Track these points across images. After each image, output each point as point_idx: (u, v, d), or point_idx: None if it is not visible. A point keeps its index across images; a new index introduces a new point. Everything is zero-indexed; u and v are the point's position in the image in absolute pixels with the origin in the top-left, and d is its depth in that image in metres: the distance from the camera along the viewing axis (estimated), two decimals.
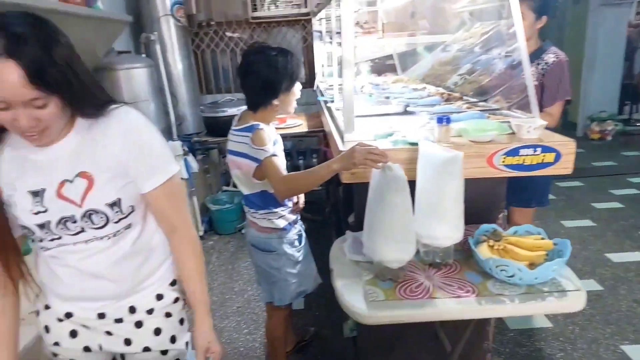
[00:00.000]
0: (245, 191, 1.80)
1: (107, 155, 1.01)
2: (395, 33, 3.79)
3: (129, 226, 1.09)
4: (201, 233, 3.72)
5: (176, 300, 1.22)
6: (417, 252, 1.36)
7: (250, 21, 4.54)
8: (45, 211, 1.00)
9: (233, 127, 1.77)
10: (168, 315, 1.20)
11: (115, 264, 1.09)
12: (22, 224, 1.02)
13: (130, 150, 1.02)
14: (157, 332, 1.18)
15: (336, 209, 3.31)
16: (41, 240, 1.05)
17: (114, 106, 1.03)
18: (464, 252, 1.42)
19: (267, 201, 1.77)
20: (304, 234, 1.96)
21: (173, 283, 1.23)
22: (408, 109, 2.06)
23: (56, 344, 1.16)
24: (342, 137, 1.61)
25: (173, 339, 1.21)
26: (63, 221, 1.01)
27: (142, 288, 1.15)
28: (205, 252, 3.47)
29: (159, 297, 1.19)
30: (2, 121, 0.89)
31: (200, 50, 4.64)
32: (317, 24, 3.98)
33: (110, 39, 3.01)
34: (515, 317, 2.43)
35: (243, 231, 3.86)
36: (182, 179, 3.29)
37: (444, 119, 1.51)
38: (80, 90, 0.93)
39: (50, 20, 0.91)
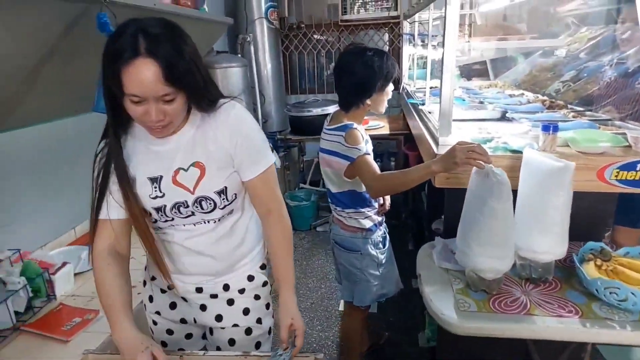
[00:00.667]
0: (334, 189, 1.83)
1: (217, 146, 1.09)
2: (485, 37, 3.64)
3: (231, 212, 1.18)
4: None
5: (265, 283, 1.29)
6: (513, 265, 1.29)
7: (338, 24, 4.61)
8: (162, 196, 1.09)
9: (326, 127, 1.81)
10: (257, 297, 1.27)
11: (216, 243, 1.18)
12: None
13: (236, 141, 1.09)
14: (246, 311, 1.25)
15: (416, 215, 3.25)
16: (155, 221, 1.15)
17: (222, 101, 1.11)
18: (565, 270, 1.33)
19: (355, 201, 1.78)
20: (388, 237, 1.95)
21: (262, 267, 1.31)
22: (507, 115, 1.97)
23: (157, 312, 1.28)
24: (436, 141, 1.58)
25: (259, 321, 1.27)
26: (177, 206, 1.10)
27: (236, 268, 1.23)
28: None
29: (250, 278, 1.26)
30: (134, 113, 0.97)
31: (289, 52, 4.79)
32: (408, 27, 3.94)
33: (213, 39, 3.21)
34: (613, 347, 2.22)
35: (318, 229, 3.93)
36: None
37: (550, 127, 1.42)
38: (201, 86, 1.01)
39: (179, 26, 1.00)
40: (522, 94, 2.57)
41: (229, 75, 3.28)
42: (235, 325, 1.25)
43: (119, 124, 1.07)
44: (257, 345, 1.27)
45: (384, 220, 1.93)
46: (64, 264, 1.80)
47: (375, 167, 1.63)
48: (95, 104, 1.65)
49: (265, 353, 1.09)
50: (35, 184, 1.96)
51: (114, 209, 1.08)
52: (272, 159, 1.18)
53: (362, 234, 1.83)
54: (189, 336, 1.30)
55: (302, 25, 4.65)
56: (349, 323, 2.05)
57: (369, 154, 1.66)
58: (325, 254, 3.43)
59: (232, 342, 1.25)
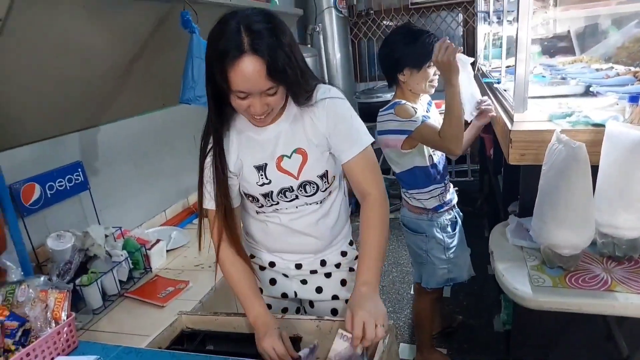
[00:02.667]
0: (397, 170, 1.85)
1: (316, 131, 1.12)
2: (571, 4, 3.36)
3: (330, 193, 1.23)
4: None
5: (356, 257, 1.34)
6: (594, 243, 1.24)
7: (408, 7, 4.53)
8: (269, 183, 1.15)
9: (380, 111, 1.83)
10: (351, 269, 1.34)
11: (317, 223, 1.23)
12: (249, 194, 1.18)
13: (332, 124, 1.11)
14: (343, 283, 1.32)
15: (491, 200, 3.14)
16: (261, 206, 1.21)
17: (319, 85, 1.13)
18: None
19: (417, 179, 1.79)
20: (459, 222, 1.92)
21: (351, 243, 1.37)
22: (591, 89, 1.85)
23: (259, 289, 1.35)
24: (511, 118, 1.53)
25: None
26: (283, 191, 1.17)
27: (332, 245, 1.29)
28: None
29: (343, 253, 1.32)
30: (240, 107, 1.01)
31: (358, 40, 4.80)
32: (482, 4, 3.78)
33: None
34: None
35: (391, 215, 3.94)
36: None
37: (639, 97, 1.33)
38: (299, 77, 1.01)
39: (276, 14, 1.02)
40: (611, 67, 2.37)
41: None
42: (335, 297, 1.32)
43: (222, 121, 1.11)
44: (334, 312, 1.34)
45: (454, 201, 1.90)
46: (158, 241, 2.01)
47: (436, 127, 1.65)
48: (181, 96, 1.81)
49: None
50: (133, 171, 2.20)
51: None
52: (369, 139, 1.16)
53: (427, 215, 1.83)
54: (284, 310, 1.38)
55: (371, 12, 4.63)
56: (418, 304, 2.07)
57: (425, 120, 1.68)
58: (396, 240, 3.44)
59: (334, 312, 1.33)
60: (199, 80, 1.78)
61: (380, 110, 1.82)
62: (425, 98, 1.88)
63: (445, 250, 1.85)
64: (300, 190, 1.17)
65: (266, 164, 1.15)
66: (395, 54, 1.72)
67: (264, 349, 1.07)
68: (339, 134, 1.12)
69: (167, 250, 2.05)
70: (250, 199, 1.21)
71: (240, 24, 0.94)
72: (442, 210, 1.84)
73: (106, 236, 1.80)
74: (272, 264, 1.32)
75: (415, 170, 1.78)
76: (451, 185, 1.92)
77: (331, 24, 4.30)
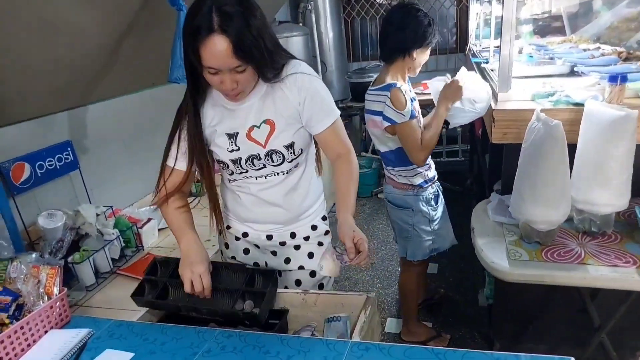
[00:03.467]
0: (383, 149, 1.89)
1: (286, 104, 1.18)
2: None
3: (296, 165, 1.28)
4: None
5: (326, 232, 1.40)
6: (570, 219, 1.28)
7: None
8: (237, 150, 1.22)
9: (370, 88, 1.84)
10: (320, 244, 1.39)
11: (286, 194, 1.29)
12: (220, 159, 1.26)
13: (304, 98, 1.17)
14: (310, 255, 1.38)
15: (479, 180, 3.19)
16: (231, 174, 1.28)
17: (289, 60, 1.18)
18: (626, 224, 1.30)
19: (404, 158, 1.82)
20: (441, 195, 1.98)
21: (324, 218, 1.41)
22: (575, 69, 1.87)
23: (233, 257, 1.43)
24: (495, 97, 1.56)
25: (322, 266, 1.37)
26: (250, 159, 1.23)
27: (301, 218, 1.34)
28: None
29: (314, 227, 1.37)
30: (212, 82, 1.08)
31: (350, 18, 4.77)
32: None
33: (274, 9, 3.31)
34: None
35: (379, 195, 3.98)
36: None
37: (618, 77, 1.36)
38: (267, 58, 1.06)
39: None
40: (598, 47, 2.39)
41: (291, 45, 3.38)
42: (301, 267, 1.38)
43: (197, 91, 1.18)
44: (320, 287, 1.39)
45: (435, 177, 1.95)
46: (149, 219, 2.03)
47: (418, 134, 1.70)
48: (169, 75, 1.80)
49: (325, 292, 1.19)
50: (123, 150, 2.21)
51: (181, 159, 1.23)
52: (338, 112, 1.24)
53: (413, 191, 1.87)
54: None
55: None
56: (404, 278, 2.13)
57: (414, 118, 1.70)
58: (385, 219, 3.49)
59: (298, 282, 1.39)
60: None
61: (371, 87, 1.82)
62: None
63: (430, 223, 1.91)
64: (267, 159, 1.23)
65: (237, 133, 1.21)
66: (413, 32, 1.71)
67: (192, 273, 1.12)
68: (311, 107, 1.18)
69: (159, 229, 2.07)
70: (221, 164, 1.27)
71: (213, 5, 0.99)
72: (426, 186, 1.89)
73: (97, 215, 1.82)
74: (245, 234, 1.38)
75: (401, 150, 1.81)
76: (432, 162, 1.95)
77: (324, 3, 4.24)
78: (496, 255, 1.25)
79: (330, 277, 1.41)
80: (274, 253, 1.39)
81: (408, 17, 1.72)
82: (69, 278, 1.67)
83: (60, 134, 1.85)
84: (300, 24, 3.60)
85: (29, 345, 1.09)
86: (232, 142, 1.22)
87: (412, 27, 1.71)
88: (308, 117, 1.20)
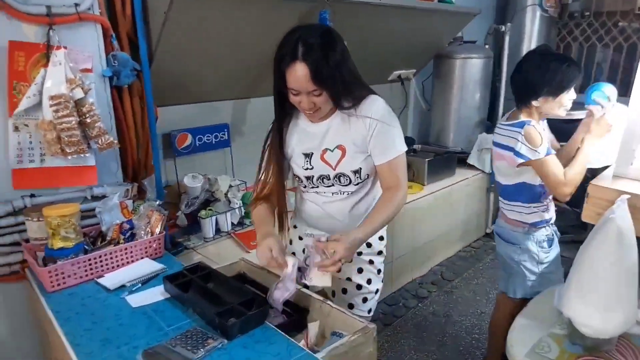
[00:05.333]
0: (502, 181, 1.83)
1: (357, 134, 1.32)
2: None
3: (362, 187, 1.42)
4: (489, 231, 3.65)
5: (379, 253, 1.49)
6: None
7: (637, 12, 3.76)
8: (311, 168, 1.40)
9: (501, 122, 1.80)
10: (371, 262, 1.48)
11: (349, 211, 1.43)
12: (296, 174, 1.46)
13: (372, 131, 1.30)
14: (359, 270, 1.48)
15: None
16: (305, 186, 1.47)
17: (368, 95, 1.31)
18: None
19: (524, 193, 1.76)
20: (556, 239, 1.84)
21: (381, 238, 1.50)
22: None
23: (293, 253, 1.62)
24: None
25: (369, 281, 1.48)
26: (321, 177, 1.41)
27: None
28: (484, 254, 3.44)
29: (368, 245, 1.47)
30: (293, 101, 1.27)
31: (564, 43, 4.24)
32: None
33: (457, 28, 3.27)
34: None
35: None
36: (484, 172, 3.33)
37: None
38: (340, 87, 1.23)
39: (334, 31, 1.25)
40: None
41: (467, 66, 3.28)
42: (349, 279, 1.49)
43: (284, 112, 1.37)
44: (364, 300, 1.49)
45: (552, 220, 1.82)
46: None
47: (559, 170, 1.63)
48: None
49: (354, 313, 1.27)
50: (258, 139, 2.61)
51: (267, 170, 1.44)
52: (401, 149, 1.33)
53: (523, 228, 1.79)
54: None
55: (587, 14, 4.01)
56: (498, 313, 2.04)
57: (549, 155, 1.62)
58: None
59: (344, 291, 1.51)
60: None
61: (504, 122, 1.79)
62: None
63: (538, 264, 1.81)
64: (336, 180, 1.38)
65: (312, 153, 1.38)
66: (532, 81, 1.66)
67: (263, 246, 1.27)
68: (376, 140, 1.31)
69: None
70: (297, 178, 1.47)
71: (300, 37, 1.18)
72: (540, 226, 1.79)
73: (231, 186, 2.26)
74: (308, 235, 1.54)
75: (523, 185, 1.75)
76: (552, 204, 1.83)
77: (532, 24, 3.92)
78: (521, 340, 1.12)
79: (375, 294, 1.48)
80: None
81: (527, 65, 1.68)
82: (196, 227, 2.16)
83: (222, 117, 2.35)
84: (486, 46, 3.43)
85: (127, 262, 1.53)
86: (307, 161, 1.40)
87: (531, 76, 1.65)
88: (372, 148, 1.32)
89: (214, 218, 2.13)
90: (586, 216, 1.26)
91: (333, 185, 1.40)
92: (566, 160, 1.69)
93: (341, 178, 1.37)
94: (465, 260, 3.32)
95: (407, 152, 3.01)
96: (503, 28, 3.48)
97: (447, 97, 3.43)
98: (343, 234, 1.24)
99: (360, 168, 1.35)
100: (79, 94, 1.52)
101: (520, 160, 1.66)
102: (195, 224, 2.16)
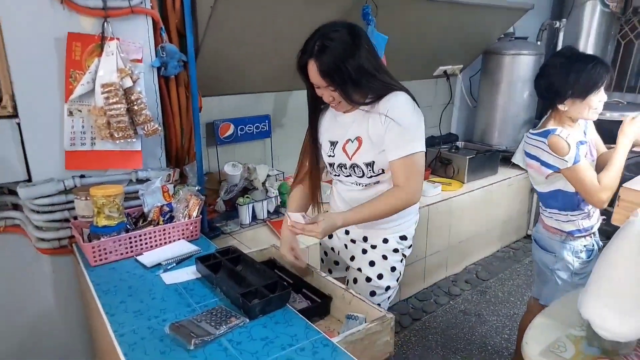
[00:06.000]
0: (538, 188, 1.79)
1: (375, 128, 1.34)
2: None
3: (377, 182, 1.43)
4: (530, 232, 3.53)
5: (396, 250, 1.49)
6: None
7: None
8: (333, 156, 1.46)
9: (530, 131, 1.74)
10: (384, 257, 1.49)
11: (363, 201, 1.43)
12: (323, 159, 1.52)
13: (388, 125, 1.31)
14: (372, 263, 1.50)
15: None
16: (330, 172, 1.54)
17: (391, 92, 1.33)
18: None
19: (561, 201, 1.70)
20: (596, 251, 1.76)
21: (403, 238, 1.50)
22: None
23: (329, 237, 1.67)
24: None
25: (380, 276, 1.49)
26: (340, 166, 1.46)
27: (375, 228, 1.46)
28: (523, 255, 3.33)
29: (385, 240, 1.49)
30: (317, 93, 1.35)
31: (626, 41, 3.97)
32: None
33: (508, 24, 3.15)
34: None
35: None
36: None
37: None
38: (350, 85, 1.28)
39: (353, 29, 1.28)
40: None
41: (517, 63, 3.16)
42: (359, 269, 1.52)
43: (315, 100, 1.43)
44: (372, 294, 1.50)
45: (593, 228, 1.74)
46: None
47: (592, 176, 1.57)
48: None
49: (368, 301, 1.31)
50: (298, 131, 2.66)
51: (305, 155, 1.54)
52: (417, 148, 1.32)
53: (560, 236, 1.74)
54: (336, 263, 1.68)
55: None
56: (527, 319, 1.96)
57: (577, 163, 1.55)
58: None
59: (355, 280, 1.54)
60: None
61: (531, 131, 1.73)
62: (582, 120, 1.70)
63: (572, 275, 1.75)
64: (352, 170, 1.42)
65: (337, 142, 1.44)
66: (556, 84, 1.60)
67: (284, 245, 1.47)
68: (391, 135, 1.31)
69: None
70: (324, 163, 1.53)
71: (315, 35, 1.28)
72: (578, 235, 1.72)
73: (269, 175, 2.34)
74: None
75: (558, 193, 1.70)
76: (597, 213, 1.75)
77: (591, 20, 3.71)
78: (537, 338, 1.10)
79: (385, 290, 1.49)
80: (346, 246, 1.58)
81: (552, 67, 1.62)
82: (234, 214, 2.25)
83: (264, 108, 2.42)
84: (538, 42, 3.29)
85: (165, 243, 1.64)
86: (331, 149, 1.46)
87: (556, 79, 1.59)
88: (387, 143, 1.33)
89: (251, 205, 2.21)
90: (616, 220, 1.21)
91: (350, 175, 1.44)
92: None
93: (355, 169, 1.41)
94: (502, 260, 3.24)
95: (450, 149, 3.07)
96: (557, 24, 3.33)
97: (494, 94, 3.33)
98: (325, 216, 1.31)
99: (373, 161, 1.37)
100: (128, 82, 1.64)
101: (549, 171, 1.62)
102: (234, 211, 2.24)
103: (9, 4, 1.47)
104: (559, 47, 3.33)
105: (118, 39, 1.65)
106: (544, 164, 1.63)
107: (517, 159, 1.84)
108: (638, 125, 1.56)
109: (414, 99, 1.37)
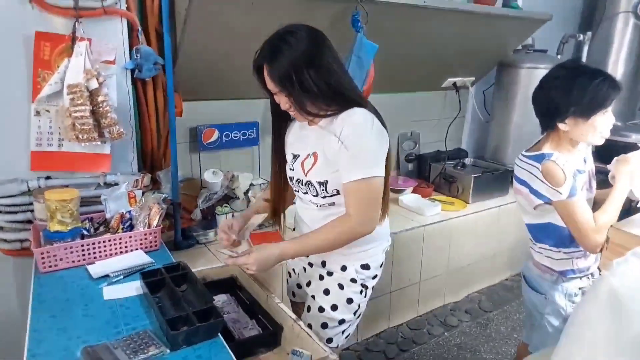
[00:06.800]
0: (526, 219, 1.59)
1: (329, 143, 1.22)
2: None
3: (332, 204, 1.30)
4: None
5: (354, 280, 1.35)
6: None
7: None
8: (292, 170, 1.36)
9: (522, 152, 1.55)
10: (340, 287, 1.36)
11: (317, 223, 1.32)
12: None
13: (341, 143, 1.18)
14: (326, 292, 1.37)
15: None
16: (293, 188, 1.41)
17: (350, 108, 1.21)
18: None
19: (550, 235, 1.51)
20: None
21: (365, 267, 1.35)
22: None
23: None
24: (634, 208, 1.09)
25: (334, 307, 1.35)
26: (298, 182, 1.34)
27: (336, 253, 1.32)
28: None
29: (343, 268, 1.35)
30: (276, 100, 1.25)
31: None
32: None
33: (524, 35, 2.96)
34: None
35: None
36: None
37: None
38: (305, 96, 1.17)
39: (312, 34, 1.18)
40: None
41: (534, 77, 2.95)
42: (313, 297, 1.40)
43: (278, 110, 1.29)
44: (324, 325, 1.37)
45: (591, 270, 1.52)
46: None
47: (587, 213, 1.38)
48: None
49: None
50: None
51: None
52: (375, 172, 1.18)
53: (551, 276, 1.54)
54: (299, 286, 1.55)
55: None
56: None
57: (573, 196, 1.37)
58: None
59: (308, 308, 1.41)
60: (354, 76, 1.92)
61: (524, 152, 1.56)
62: (583, 145, 1.51)
63: (564, 322, 1.52)
64: (307, 187, 1.31)
65: (298, 155, 1.33)
66: (556, 99, 1.41)
67: (226, 220, 1.45)
68: (344, 154, 1.19)
69: None
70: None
71: (271, 38, 1.20)
72: (572, 276, 1.51)
73: (252, 185, 2.25)
74: None
75: (550, 226, 1.50)
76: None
77: (623, 33, 3.44)
78: None
79: (339, 324, 1.37)
80: (304, 269, 1.47)
81: (553, 81, 1.44)
82: (213, 223, 2.17)
83: (253, 115, 2.33)
84: (559, 56, 3.08)
85: (121, 252, 1.56)
86: (292, 162, 1.36)
87: (555, 93, 1.41)
88: (341, 164, 1.21)
89: (230, 215, 2.12)
90: (604, 265, 1.05)
91: (307, 193, 1.33)
92: None
93: (309, 187, 1.30)
94: (509, 290, 3.02)
95: (455, 166, 2.84)
96: (581, 37, 3.11)
97: (508, 109, 3.13)
98: (260, 247, 1.23)
99: (327, 180, 1.25)
100: (94, 84, 1.58)
101: (539, 201, 1.44)
102: (213, 220, 2.16)
103: None
104: (584, 59, 3.10)
105: (89, 39, 1.60)
106: (534, 192, 1.44)
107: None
108: (632, 164, 1.42)
109: (379, 116, 1.24)
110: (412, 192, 2.83)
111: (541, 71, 2.95)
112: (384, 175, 1.21)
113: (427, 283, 2.63)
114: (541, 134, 1.55)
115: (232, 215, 2.12)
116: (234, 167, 2.30)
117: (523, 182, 1.49)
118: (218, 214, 2.11)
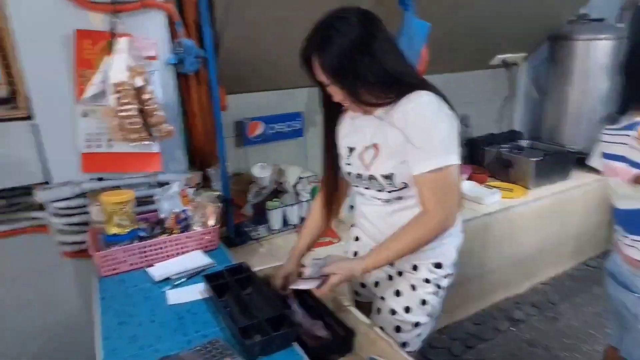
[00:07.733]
0: (620, 205, 1.41)
1: (393, 134, 1.10)
2: None
3: (399, 198, 1.18)
4: (611, 247, 3.07)
5: (427, 280, 1.24)
6: None
7: None
8: (350, 164, 1.24)
9: (606, 128, 1.38)
10: (413, 287, 1.25)
11: (382, 219, 1.24)
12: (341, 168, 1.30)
13: (410, 132, 1.07)
14: (397, 293, 1.27)
15: None
16: (351, 183, 1.31)
17: (412, 91, 1.08)
18: None
19: None
20: None
21: (438, 266, 1.24)
22: None
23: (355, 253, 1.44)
24: None
25: (407, 309, 1.25)
26: (358, 175, 1.23)
27: None
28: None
29: (414, 268, 1.24)
30: (328, 92, 1.14)
31: None
32: None
33: (578, 3, 2.73)
34: None
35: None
36: None
37: None
38: (361, 85, 1.06)
39: (367, 18, 1.05)
40: None
41: (592, 49, 2.73)
42: (382, 298, 1.30)
43: (330, 102, 1.19)
44: (397, 329, 1.26)
45: None
46: None
47: None
48: None
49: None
50: None
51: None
52: (449, 160, 1.06)
53: None
54: (362, 285, 1.44)
55: None
56: None
57: None
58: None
59: (378, 310, 1.31)
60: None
61: (610, 126, 1.39)
62: None
63: None
64: (370, 182, 1.20)
65: (355, 148, 1.22)
66: None
67: (279, 278, 1.32)
68: (414, 143, 1.07)
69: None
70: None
71: (321, 26, 1.06)
72: None
73: (300, 178, 2.15)
74: (356, 239, 1.42)
75: None
76: None
77: None
78: None
79: (414, 326, 1.26)
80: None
81: None
82: (263, 217, 2.09)
83: (296, 105, 2.23)
84: (620, 25, 2.82)
85: (179, 253, 1.50)
86: (348, 156, 1.25)
87: None
88: (408, 154, 1.09)
89: (281, 210, 2.04)
90: None
91: (368, 188, 1.22)
92: None
93: (373, 181, 1.18)
94: (577, 281, 2.80)
95: (511, 149, 2.62)
96: None
97: (564, 86, 2.91)
98: (338, 268, 1.13)
99: (393, 174, 1.13)
100: (139, 81, 1.51)
101: (636, 171, 1.25)
102: (263, 214, 2.09)
103: (17, 2, 1.39)
104: None
105: (130, 35, 1.53)
106: (635, 164, 1.26)
107: (594, 161, 1.51)
108: None
109: (445, 99, 1.11)
110: (467, 180, 2.67)
111: (601, 42, 2.74)
112: (459, 162, 1.08)
113: (488, 275, 2.48)
114: (618, 112, 1.37)
115: (284, 211, 2.04)
116: (282, 160, 2.21)
117: (616, 157, 1.33)
118: (268, 209, 2.03)
